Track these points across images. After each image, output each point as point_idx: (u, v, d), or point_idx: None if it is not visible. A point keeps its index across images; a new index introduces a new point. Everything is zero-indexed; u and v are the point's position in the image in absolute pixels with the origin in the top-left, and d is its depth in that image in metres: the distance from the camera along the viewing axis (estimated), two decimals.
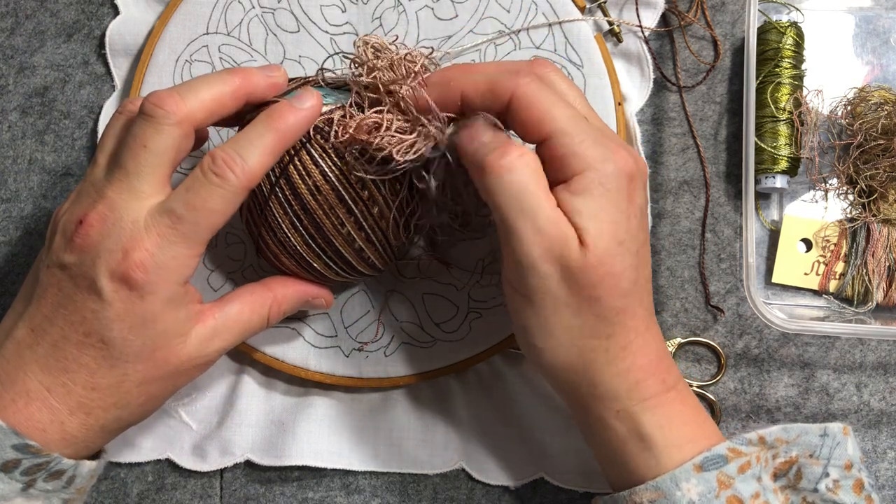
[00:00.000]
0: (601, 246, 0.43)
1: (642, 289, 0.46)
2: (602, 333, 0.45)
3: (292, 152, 0.47)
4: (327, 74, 0.50)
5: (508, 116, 0.46)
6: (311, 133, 0.47)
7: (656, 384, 0.46)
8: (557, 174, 0.45)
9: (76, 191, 0.47)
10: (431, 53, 0.49)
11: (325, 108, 0.48)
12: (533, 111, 0.44)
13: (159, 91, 0.45)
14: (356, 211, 0.48)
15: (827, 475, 0.47)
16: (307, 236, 0.49)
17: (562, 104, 0.45)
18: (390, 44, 0.48)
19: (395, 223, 0.50)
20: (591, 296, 0.44)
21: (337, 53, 0.60)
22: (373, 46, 0.48)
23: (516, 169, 0.43)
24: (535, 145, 0.46)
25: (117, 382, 0.45)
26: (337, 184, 0.47)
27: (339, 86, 0.50)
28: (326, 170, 0.47)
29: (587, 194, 0.44)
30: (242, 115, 0.49)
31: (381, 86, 0.47)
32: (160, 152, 0.44)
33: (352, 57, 0.49)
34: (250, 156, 0.45)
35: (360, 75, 0.48)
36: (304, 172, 0.47)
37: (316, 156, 0.47)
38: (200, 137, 0.51)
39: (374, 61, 0.47)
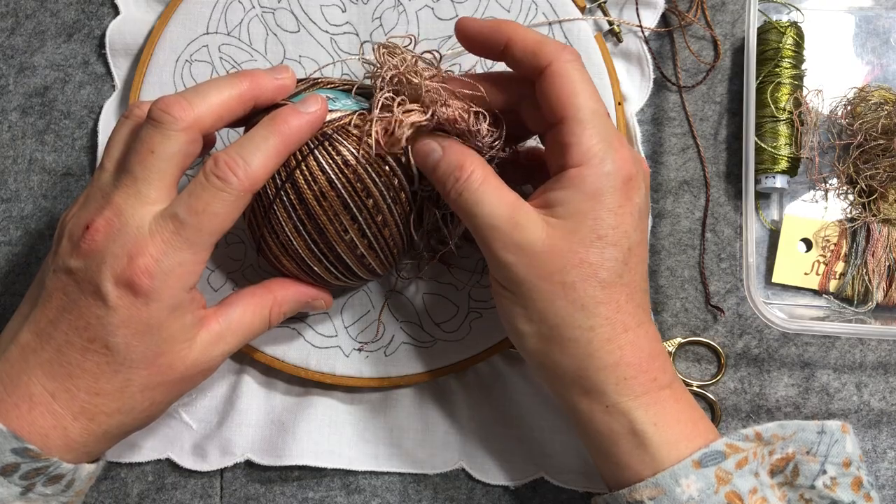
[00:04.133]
0: (575, 236, 0.45)
1: (631, 285, 0.46)
2: (583, 324, 0.45)
3: (299, 157, 0.47)
4: (335, 77, 0.51)
5: (538, 86, 0.47)
6: (319, 139, 0.47)
7: (647, 382, 0.46)
8: (558, 160, 0.46)
9: (84, 195, 0.47)
10: (441, 61, 0.50)
11: (334, 115, 0.48)
12: (564, 89, 0.46)
13: (167, 96, 0.45)
14: (360, 218, 0.48)
15: (824, 472, 0.47)
16: (310, 241, 0.48)
17: (590, 94, 0.46)
18: (405, 47, 0.50)
19: (398, 231, 0.50)
20: (563, 281, 0.45)
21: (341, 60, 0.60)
22: (385, 47, 0.49)
23: (468, 189, 0.46)
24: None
25: (121, 388, 0.45)
26: (343, 191, 0.47)
27: (348, 89, 0.50)
28: (333, 176, 0.47)
29: (572, 189, 0.45)
30: (250, 118, 0.49)
31: (405, 77, 0.48)
32: (167, 158, 0.44)
33: (368, 59, 0.50)
34: (253, 159, 0.45)
35: (380, 76, 0.49)
36: (310, 178, 0.47)
37: (323, 162, 0.47)
38: (208, 141, 0.51)
39: (393, 59, 0.48)
